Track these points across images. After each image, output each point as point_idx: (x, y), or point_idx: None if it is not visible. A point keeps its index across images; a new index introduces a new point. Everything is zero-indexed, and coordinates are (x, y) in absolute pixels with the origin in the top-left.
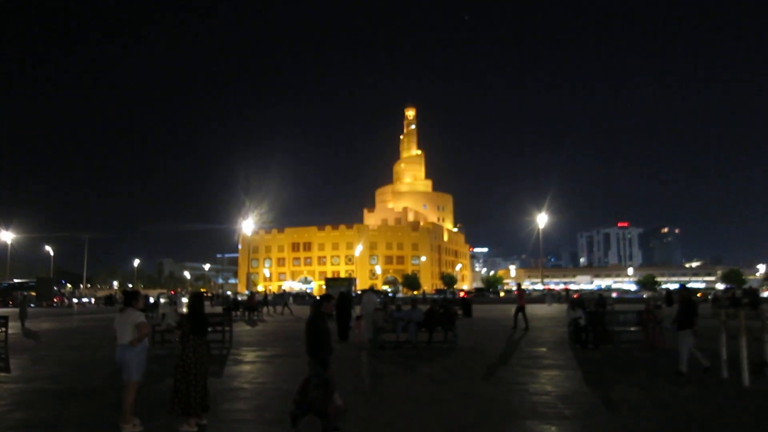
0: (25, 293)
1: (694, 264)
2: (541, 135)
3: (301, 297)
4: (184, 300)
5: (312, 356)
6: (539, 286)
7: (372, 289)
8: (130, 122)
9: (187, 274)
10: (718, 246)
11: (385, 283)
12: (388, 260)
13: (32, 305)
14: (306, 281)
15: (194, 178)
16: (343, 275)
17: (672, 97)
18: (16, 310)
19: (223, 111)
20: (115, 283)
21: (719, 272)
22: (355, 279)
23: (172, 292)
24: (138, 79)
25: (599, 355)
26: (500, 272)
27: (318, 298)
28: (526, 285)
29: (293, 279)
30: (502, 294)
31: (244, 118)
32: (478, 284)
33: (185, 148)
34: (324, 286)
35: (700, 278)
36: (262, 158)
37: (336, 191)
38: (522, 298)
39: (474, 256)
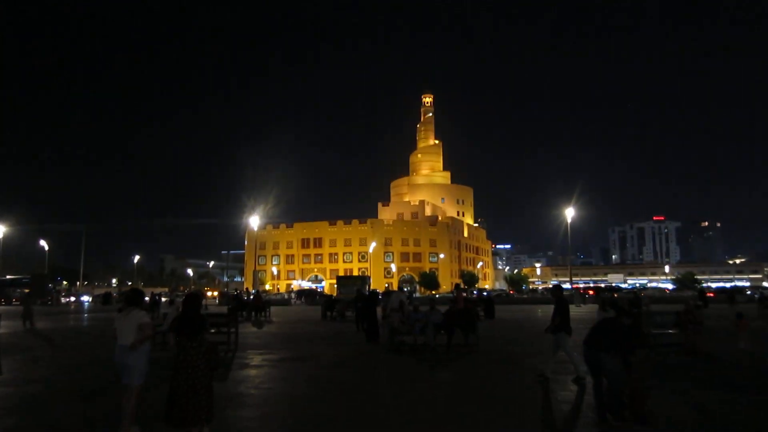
0: (27, 291)
1: (738, 260)
2: (569, 123)
3: (312, 295)
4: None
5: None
6: (567, 285)
7: (401, 289)
8: (131, 108)
9: (189, 272)
10: (764, 241)
11: (400, 282)
12: (404, 257)
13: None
14: (316, 279)
15: (199, 170)
16: (355, 273)
17: (713, 83)
18: (15, 308)
19: (231, 100)
20: (114, 281)
21: (766, 269)
22: (368, 277)
23: (181, 289)
24: (143, 64)
25: (634, 360)
26: (525, 270)
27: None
28: (554, 284)
29: (303, 277)
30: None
31: (253, 107)
32: (501, 283)
33: (190, 139)
34: (336, 285)
35: (744, 276)
36: (271, 150)
37: (349, 184)
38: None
39: (496, 254)
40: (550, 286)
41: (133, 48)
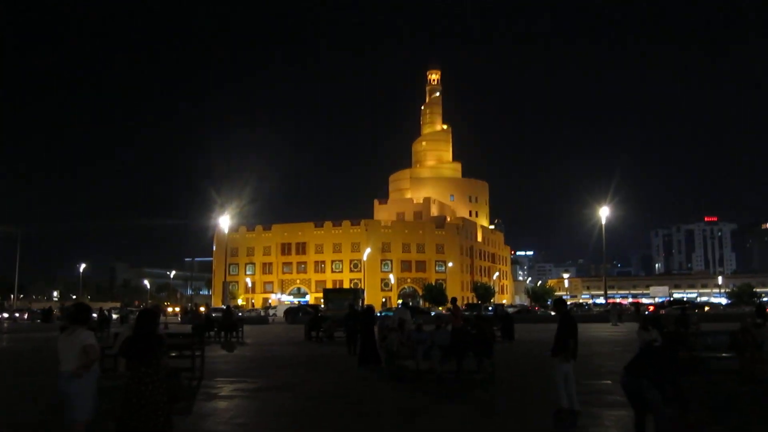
0: None
1: None
2: (603, 108)
3: (294, 312)
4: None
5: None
6: (601, 300)
7: (406, 304)
8: (74, 95)
9: (146, 283)
10: None
11: (401, 296)
12: (405, 266)
13: None
14: (299, 293)
15: (158, 163)
16: (346, 285)
17: None
18: None
19: (196, 79)
20: (56, 294)
21: None
22: (362, 290)
23: (136, 304)
24: (93, 44)
25: (681, 390)
26: (551, 282)
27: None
28: (585, 298)
29: (283, 290)
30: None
31: (223, 90)
32: (522, 297)
33: (146, 126)
34: (322, 299)
35: None
36: (245, 140)
37: (339, 178)
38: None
39: (516, 262)
40: (583, 301)
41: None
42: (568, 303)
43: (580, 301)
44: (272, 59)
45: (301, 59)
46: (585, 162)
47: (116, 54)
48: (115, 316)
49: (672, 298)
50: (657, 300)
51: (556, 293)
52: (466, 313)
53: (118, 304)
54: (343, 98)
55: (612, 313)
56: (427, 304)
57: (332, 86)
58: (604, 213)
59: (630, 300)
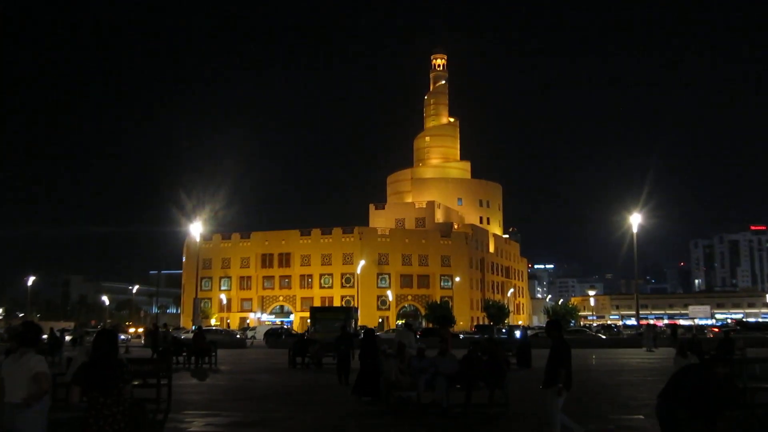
0: None
1: None
2: (636, 102)
3: (277, 334)
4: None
5: None
6: (632, 321)
7: (409, 325)
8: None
9: (105, 300)
10: None
11: (400, 316)
12: (406, 281)
13: None
14: (282, 312)
15: (122, 164)
16: (337, 303)
17: None
18: None
19: (164, 75)
20: None
21: None
22: (355, 309)
23: (93, 324)
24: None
25: (725, 426)
26: (574, 300)
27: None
28: (614, 319)
29: (264, 309)
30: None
31: (192, 83)
32: (541, 318)
33: (104, 119)
34: (309, 320)
35: None
36: (220, 138)
37: (329, 180)
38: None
39: (534, 277)
40: (611, 322)
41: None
42: (594, 325)
43: (608, 322)
44: (247, 47)
45: (279, 44)
46: (613, 162)
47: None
48: (68, 338)
49: (741, 320)
50: (706, 321)
51: (580, 313)
52: (476, 336)
53: (72, 324)
54: (333, 89)
55: (645, 336)
56: (430, 326)
57: (319, 75)
58: (635, 220)
59: (666, 321)
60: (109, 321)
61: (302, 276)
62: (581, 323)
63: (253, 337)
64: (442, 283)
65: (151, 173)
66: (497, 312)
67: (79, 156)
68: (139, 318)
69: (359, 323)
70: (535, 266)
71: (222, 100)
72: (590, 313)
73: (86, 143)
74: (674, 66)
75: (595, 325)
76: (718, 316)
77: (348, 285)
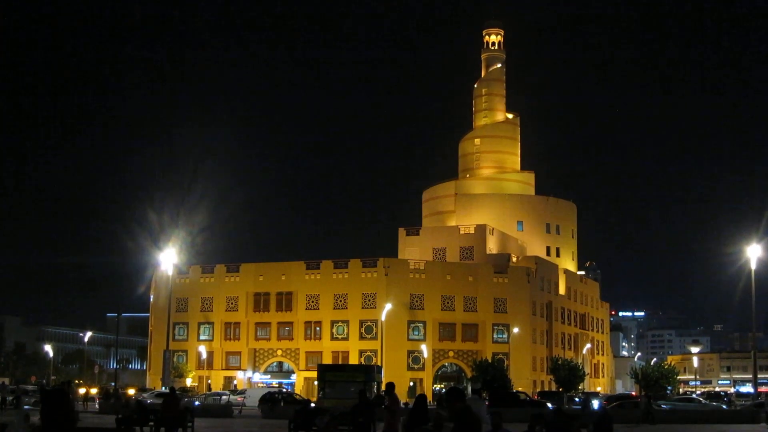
0: None
1: None
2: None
3: (274, 400)
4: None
5: None
6: (748, 388)
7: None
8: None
9: (48, 350)
10: None
11: (439, 379)
12: (446, 331)
13: None
14: (281, 371)
15: (68, 174)
16: (354, 360)
17: None
18: None
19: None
20: None
21: None
22: (378, 367)
23: (33, 380)
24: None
25: None
26: (671, 359)
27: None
28: (724, 385)
29: (256, 366)
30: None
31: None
32: (627, 382)
33: (49, 116)
34: (317, 382)
35: None
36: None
37: (346, 197)
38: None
39: (619, 328)
40: (720, 389)
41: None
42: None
43: (716, 388)
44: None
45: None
46: (726, 176)
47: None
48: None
49: None
50: None
51: (680, 377)
52: (540, 407)
53: (6, 380)
54: (348, 76)
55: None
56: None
57: (328, 57)
58: (754, 254)
59: None
60: (53, 378)
61: (308, 323)
62: (680, 390)
63: (243, 403)
64: (494, 336)
65: (110, 187)
66: (568, 374)
67: (19, 166)
68: (92, 375)
69: (383, 387)
70: (620, 314)
71: (202, 88)
72: (692, 376)
73: (28, 149)
74: None
75: (698, 393)
76: None
77: (369, 336)
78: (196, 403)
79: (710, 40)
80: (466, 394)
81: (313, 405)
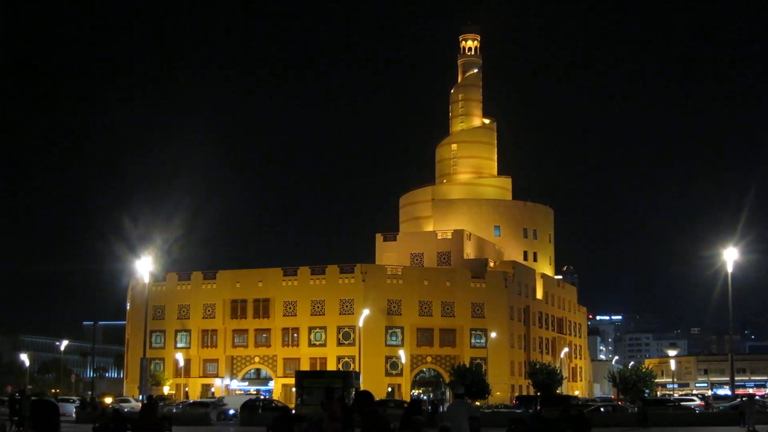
0: None
1: None
2: (734, 98)
3: (254, 407)
4: None
5: None
6: (726, 390)
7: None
8: None
9: (24, 359)
10: None
11: (417, 384)
12: (424, 337)
13: None
14: (259, 377)
15: (44, 181)
16: (332, 366)
17: None
18: None
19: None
20: None
21: None
22: (356, 374)
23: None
24: None
25: None
26: (649, 362)
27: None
28: (701, 388)
29: (234, 372)
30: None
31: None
32: (605, 386)
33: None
34: (295, 389)
35: None
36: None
37: (323, 202)
38: None
39: (596, 331)
40: (698, 392)
41: None
42: (674, 395)
43: (694, 391)
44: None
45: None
46: (702, 181)
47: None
48: None
49: None
50: None
51: (658, 380)
52: (518, 411)
53: None
54: (325, 81)
55: (748, 410)
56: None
57: (306, 65)
58: (730, 257)
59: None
60: (29, 387)
61: (285, 329)
62: (658, 393)
63: (223, 410)
64: (472, 340)
65: (87, 194)
66: (546, 379)
67: None
68: (69, 383)
69: (361, 389)
70: (598, 318)
71: (178, 98)
72: (670, 379)
73: (1, 159)
74: None
75: (676, 396)
76: None
77: (347, 342)
78: (174, 410)
79: (685, 45)
80: (444, 401)
81: (292, 412)
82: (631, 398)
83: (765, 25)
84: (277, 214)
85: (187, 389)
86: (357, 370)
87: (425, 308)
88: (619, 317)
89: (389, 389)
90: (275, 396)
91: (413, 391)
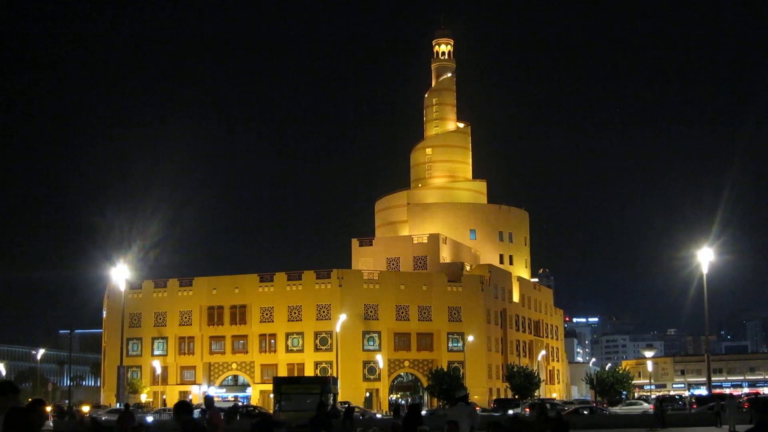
0: None
1: None
2: (711, 99)
3: (233, 413)
4: None
5: None
6: (702, 391)
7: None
8: None
9: (1, 368)
10: None
11: (395, 389)
12: (402, 342)
13: None
14: (236, 384)
15: (19, 184)
16: (309, 372)
17: None
18: None
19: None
20: None
21: None
22: (333, 379)
23: None
24: None
25: None
26: (626, 364)
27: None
28: (678, 388)
29: (211, 379)
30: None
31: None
32: (582, 388)
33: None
34: (273, 395)
35: None
36: (152, 149)
37: (298, 208)
38: None
39: (573, 334)
40: (675, 393)
41: None
42: (650, 396)
43: (671, 392)
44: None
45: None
46: (676, 182)
47: None
48: None
49: None
50: None
51: (635, 381)
52: (496, 414)
53: None
54: (299, 82)
55: (729, 409)
56: (436, 402)
57: (278, 64)
58: (705, 258)
59: (746, 390)
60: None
61: (262, 336)
62: (635, 394)
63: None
64: (449, 344)
65: (60, 199)
66: (524, 381)
67: None
68: (45, 392)
69: (339, 398)
70: (575, 320)
71: (155, 102)
72: (647, 381)
73: None
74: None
75: (652, 397)
76: None
77: (324, 347)
78: (149, 419)
79: (661, 45)
80: (422, 405)
81: (270, 418)
82: (609, 400)
83: (736, 34)
84: (252, 220)
85: (164, 397)
86: (335, 375)
87: (402, 313)
88: (596, 319)
89: (367, 394)
90: (253, 402)
91: (391, 395)
